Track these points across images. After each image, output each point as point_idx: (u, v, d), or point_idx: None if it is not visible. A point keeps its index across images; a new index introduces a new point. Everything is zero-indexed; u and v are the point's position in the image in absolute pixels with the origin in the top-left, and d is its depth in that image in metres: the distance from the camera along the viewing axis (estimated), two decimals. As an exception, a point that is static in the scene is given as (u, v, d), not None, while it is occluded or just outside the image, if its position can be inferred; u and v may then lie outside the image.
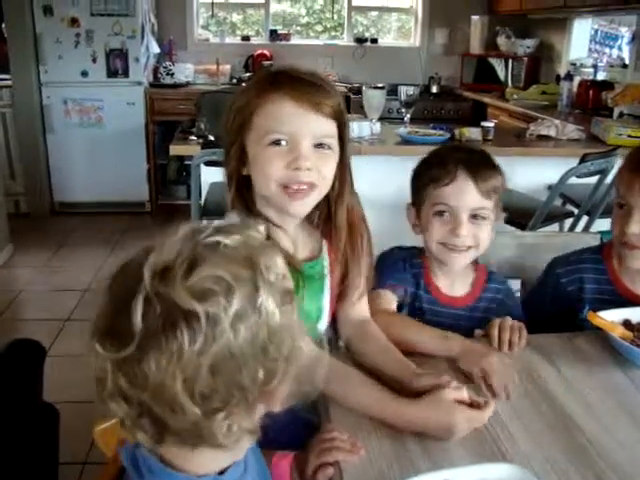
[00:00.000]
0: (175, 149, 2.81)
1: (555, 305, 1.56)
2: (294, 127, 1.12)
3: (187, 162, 2.90)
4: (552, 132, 3.26)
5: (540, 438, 1.07)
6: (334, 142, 1.17)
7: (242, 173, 1.19)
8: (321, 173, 1.15)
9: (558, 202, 3.01)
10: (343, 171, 1.21)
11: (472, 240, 1.40)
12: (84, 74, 4.66)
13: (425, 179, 1.44)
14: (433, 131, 3.09)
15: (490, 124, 3.13)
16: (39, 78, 4.64)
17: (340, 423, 1.09)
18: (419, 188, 1.46)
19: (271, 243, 0.74)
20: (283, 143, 1.12)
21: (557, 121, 3.38)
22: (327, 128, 1.15)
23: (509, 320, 1.37)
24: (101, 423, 1.01)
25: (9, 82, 4.62)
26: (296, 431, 1.25)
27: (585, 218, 2.87)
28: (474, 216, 1.39)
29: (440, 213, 1.41)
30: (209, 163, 2.47)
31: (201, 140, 2.69)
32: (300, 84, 1.13)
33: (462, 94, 5.31)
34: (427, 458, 1.01)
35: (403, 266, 1.51)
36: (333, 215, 1.25)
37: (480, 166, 1.40)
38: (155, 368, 0.62)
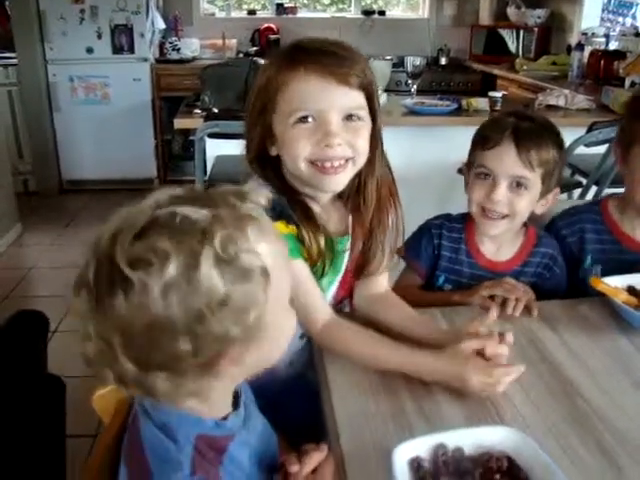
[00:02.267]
0: (179, 123, 2.79)
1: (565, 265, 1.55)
2: (320, 103, 1.07)
3: (192, 138, 2.88)
4: (561, 102, 3.21)
5: (540, 403, 1.06)
6: (364, 113, 1.12)
7: (270, 153, 1.16)
8: (354, 146, 1.11)
9: (567, 173, 2.97)
10: (374, 141, 1.17)
11: (508, 208, 1.39)
12: (89, 51, 4.63)
13: (476, 140, 1.45)
14: (440, 102, 3.06)
15: (498, 94, 3.09)
16: (44, 56, 4.62)
17: (338, 386, 1.09)
18: (471, 148, 1.47)
19: (253, 218, 0.72)
20: (310, 120, 1.08)
21: (566, 91, 3.33)
22: (355, 100, 1.10)
23: (518, 284, 1.38)
24: (99, 390, 1.01)
25: (14, 60, 4.60)
26: (303, 396, 1.26)
27: (594, 188, 2.84)
28: (515, 184, 1.37)
29: (482, 176, 1.41)
30: (214, 136, 2.45)
31: (205, 113, 2.67)
32: (322, 56, 1.08)
33: (471, 66, 5.24)
34: (424, 421, 1.00)
35: (432, 235, 1.51)
36: (362, 187, 1.22)
37: (529, 134, 1.36)
38: (100, 323, 0.67)
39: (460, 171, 1.52)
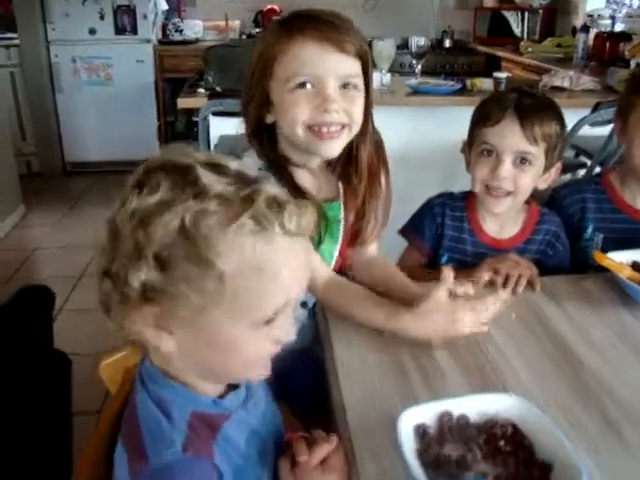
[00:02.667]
0: (183, 102, 2.78)
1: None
2: (318, 69, 1.10)
3: (196, 119, 2.87)
4: (566, 83, 3.19)
5: (544, 375, 1.06)
6: (360, 82, 1.15)
7: (266, 121, 1.18)
8: (349, 114, 1.14)
9: (570, 154, 2.97)
10: (366, 111, 1.19)
11: (512, 184, 1.39)
12: (92, 32, 4.62)
13: (477, 117, 1.44)
14: (444, 82, 3.04)
15: (502, 75, 3.07)
16: (46, 36, 4.61)
17: (344, 360, 1.09)
18: (472, 126, 1.46)
19: (262, 228, 0.70)
20: (308, 86, 1.10)
21: (571, 72, 3.31)
22: (352, 67, 1.13)
23: (521, 259, 1.38)
24: (106, 358, 1.02)
25: (16, 41, 4.58)
26: (308, 369, 1.26)
27: (598, 169, 2.83)
28: (519, 160, 1.37)
29: (485, 153, 1.40)
30: (217, 114, 2.44)
31: (209, 93, 2.66)
32: (321, 24, 1.11)
33: (475, 48, 5.21)
34: (428, 389, 1.01)
35: (435, 214, 1.51)
36: (354, 157, 1.24)
37: (532, 110, 1.36)
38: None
39: (464, 150, 1.52)
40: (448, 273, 1.10)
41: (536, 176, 1.41)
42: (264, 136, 1.19)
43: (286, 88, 1.11)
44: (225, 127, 2.70)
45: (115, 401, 0.96)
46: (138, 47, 4.70)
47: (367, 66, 1.16)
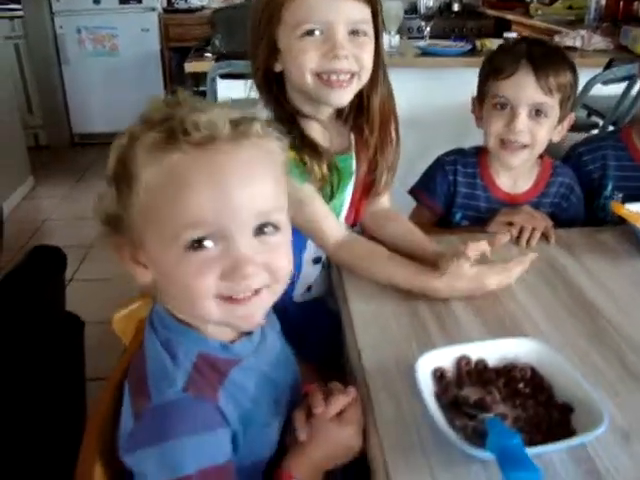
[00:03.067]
0: (190, 66, 2.75)
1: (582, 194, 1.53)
2: (327, 15, 1.07)
3: (202, 88, 2.83)
4: (577, 43, 3.15)
5: (561, 322, 1.06)
6: (369, 28, 1.12)
7: (274, 70, 1.15)
8: (359, 61, 1.11)
9: (582, 114, 2.93)
10: (377, 59, 1.17)
11: (528, 137, 1.36)
12: (96, 1, 4.55)
13: (488, 70, 1.41)
14: (453, 43, 3.01)
15: (513, 35, 3.03)
16: (50, 7, 4.55)
17: (358, 307, 1.09)
18: (482, 80, 1.43)
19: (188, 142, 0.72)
20: (317, 33, 1.08)
21: (583, 32, 3.26)
22: (361, 13, 1.10)
23: (535, 212, 1.37)
24: (119, 311, 1.01)
25: (20, 12, 4.53)
26: (322, 321, 1.26)
27: (611, 129, 2.80)
28: (533, 112, 1.35)
29: (499, 106, 1.38)
30: (225, 77, 2.41)
31: (216, 57, 2.63)
32: None
33: (484, 12, 5.13)
34: (445, 336, 1.01)
35: (446, 172, 1.49)
36: (366, 106, 1.22)
37: (545, 60, 1.34)
38: None
39: (474, 108, 1.49)
40: (469, 250, 1.08)
41: (552, 128, 1.38)
42: (273, 86, 1.17)
43: (294, 35, 1.08)
44: (233, 91, 2.67)
45: (128, 352, 0.96)
46: (143, 16, 4.65)
47: (377, 11, 1.13)
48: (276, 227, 0.75)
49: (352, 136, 1.27)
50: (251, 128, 0.75)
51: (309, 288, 1.31)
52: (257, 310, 0.77)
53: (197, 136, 0.70)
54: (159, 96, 0.79)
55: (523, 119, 1.34)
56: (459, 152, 1.53)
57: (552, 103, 1.34)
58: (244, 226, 0.72)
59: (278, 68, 1.15)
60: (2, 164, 3.70)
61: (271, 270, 0.75)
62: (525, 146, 1.38)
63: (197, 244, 0.70)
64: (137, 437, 0.73)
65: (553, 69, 1.33)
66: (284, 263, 0.77)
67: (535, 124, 1.35)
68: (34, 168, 4.23)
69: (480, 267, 1.09)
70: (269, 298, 0.78)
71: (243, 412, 0.78)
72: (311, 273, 1.30)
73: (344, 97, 1.15)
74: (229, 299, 0.74)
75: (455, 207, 1.50)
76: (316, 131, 1.20)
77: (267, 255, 0.74)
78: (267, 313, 0.90)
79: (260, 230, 0.73)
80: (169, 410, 0.72)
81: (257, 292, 0.75)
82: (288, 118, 1.17)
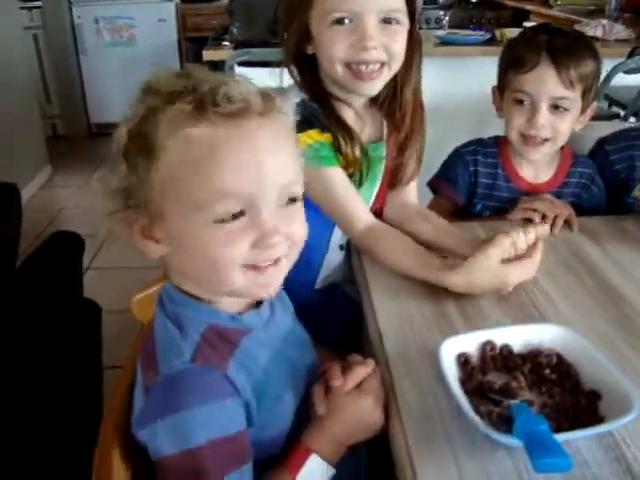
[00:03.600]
0: (208, 54, 2.73)
1: (604, 181, 1.50)
2: (357, 4, 1.05)
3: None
4: (598, 33, 3.10)
5: (585, 309, 1.04)
6: (402, 16, 1.10)
7: (307, 52, 1.14)
8: (389, 50, 1.09)
9: (604, 104, 2.90)
10: (412, 47, 1.15)
11: (550, 132, 1.34)
12: (114, -9, 4.56)
13: (508, 62, 1.38)
14: (473, 32, 2.97)
15: (532, 24, 2.99)
16: (69, -3, 4.55)
17: (379, 290, 1.08)
18: (502, 70, 1.40)
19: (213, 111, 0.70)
20: (346, 21, 1.06)
21: (604, 21, 3.21)
22: (394, 2, 1.08)
23: (556, 200, 1.35)
24: (138, 294, 1.01)
25: (39, 3, 4.54)
26: (340, 308, 1.25)
27: (632, 120, 2.76)
28: (555, 106, 1.32)
29: (519, 102, 1.35)
30: (243, 65, 2.40)
31: (234, 45, 2.62)
32: None
33: (503, 2, 5.06)
34: (467, 323, 0.99)
35: (467, 162, 1.46)
36: (399, 94, 1.21)
37: (567, 51, 1.30)
38: None
39: (494, 97, 1.46)
40: (503, 239, 1.03)
41: (574, 120, 1.36)
42: (305, 68, 1.16)
43: (324, 22, 1.07)
44: (252, 80, 2.67)
45: (142, 333, 0.96)
46: (160, 6, 4.64)
47: None
48: (296, 199, 0.76)
49: (385, 123, 1.25)
50: (276, 103, 0.75)
51: (329, 275, 1.30)
52: (276, 278, 0.78)
53: (229, 108, 0.69)
54: (166, 68, 0.76)
55: (544, 114, 1.32)
56: (478, 142, 1.50)
57: (573, 96, 1.31)
58: (271, 198, 0.72)
59: (310, 51, 1.14)
60: (20, 153, 3.72)
61: (292, 239, 0.76)
62: (547, 140, 1.35)
63: (229, 216, 0.70)
64: (147, 411, 0.73)
65: (574, 60, 1.29)
66: (300, 229, 0.78)
67: (557, 118, 1.33)
68: (52, 158, 4.26)
69: (503, 265, 1.03)
70: (286, 266, 0.78)
71: (255, 382, 0.77)
72: (335, 259, 1.29)
73: (374, 88, 1.14)
74: (253, 267, 0.74)
75: (476, 198, 1.48)
76: (349, 117, 1.19)
77: (288, 225, 0.75)
78: (283, 297, 0.89)
79: (283, 201, 0.74)
80: (177, 381, 0.72)
81: (277, 261, 0.76)
82: (322, 100, 1.16)
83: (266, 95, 0.74)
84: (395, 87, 1.20)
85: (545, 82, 1.30)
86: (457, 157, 1.49)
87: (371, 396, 0.82)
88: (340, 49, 1.07)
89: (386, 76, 1.13)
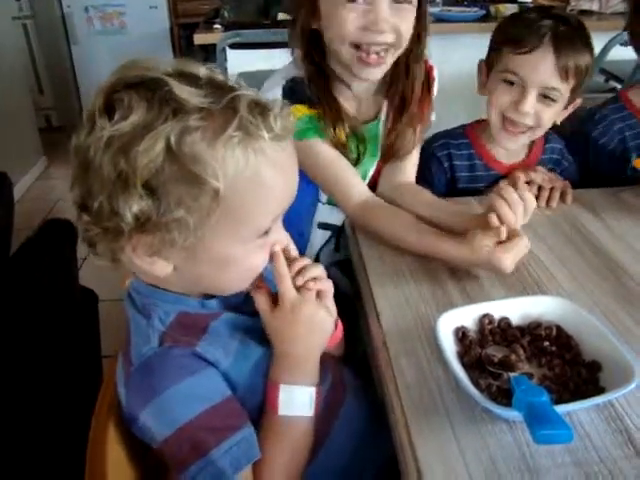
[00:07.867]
0: (199, 38, 2.70)
1: (601, 166, 1.48)
2: None
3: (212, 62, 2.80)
4: (595, 6, 3.07)
5: (585, 281, 1.03)
6: None
7: (312, 26, 1.12)
8: (399, 31, 1.07)
9: (600, 78, 2.86)
10: (421, 24, 1.13)
11: (534, 120, 1.26)
12: (103, -21, 4.51)
13: (505, 38, 1.28)
14: (467, 8, 2.94)
15: (528, 0, 2.96)
16: (57, -15, 4.50)
17: (375, 269, 1.07)
18: (496, 46, 1.31)
19: (248, 135, 0.66)
20: (360, 0, 1.04)
21: (601, -6, 3.18)
22: None
23: (548, 172, 1.33)
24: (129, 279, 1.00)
25: (27, -9, 4.50)
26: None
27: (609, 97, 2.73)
28: (544, 95, 1.24)
29: (509, 82, 1.26)
30: (235, 47, 2.36)
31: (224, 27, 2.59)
32: None
33: (497, -21, 5.03)
34: (465, 296, 0.98)
35: (440, 160, 1.40)
36: (411, 73, 1.19)
37: (570, 41, 1.21)
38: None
39: (480, 71, 1.39)
40: (494, 221, 0.99)
41: (559, 111, 1.29)
42: (307, 43, 1.14)
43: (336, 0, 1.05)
44: (244, 64, 2.64)
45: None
46: (150, -8, 4.59)
47: None
48: None
49: (385, 103, 1.23)
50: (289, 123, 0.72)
51: (317, 258, 1.28)
52: None
53: (270, 136, 0.67)
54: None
55: (531, 101, 1.24)
56: (447, 135, 1.43)
57: (565, 89, 1.24)
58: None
59: (315, 25, 1.12)
60: (15, 145, 3.70)
61: None
62: (529, 128, 1.29)
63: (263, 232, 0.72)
64: (131, 405, 0.74)
65: (574, 52, 1.22)
66: None
67: (543, 107, 1.25)
68: (47, 149, 4.22)
69: (496, 249, 0.98)
70: None
71: (228, 348, 0.77)
72: (319, 239, 1.27)
73: (377, 74, 1.13)
74: None
75: (457, 193, 1.40)
76: (345, 96, 1.18)
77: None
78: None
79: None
80: (149, 367, 0.72)
81: None
82: (320, 76, 1.15)
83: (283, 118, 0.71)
84: (406, 68, 1.18)
85: (541, 69, 1.22)
86: (428, 155, 1.41)
87: (308, 298, 0.78)
88: (351, 29, 1.06)
89: (390, 59, 1.12)
